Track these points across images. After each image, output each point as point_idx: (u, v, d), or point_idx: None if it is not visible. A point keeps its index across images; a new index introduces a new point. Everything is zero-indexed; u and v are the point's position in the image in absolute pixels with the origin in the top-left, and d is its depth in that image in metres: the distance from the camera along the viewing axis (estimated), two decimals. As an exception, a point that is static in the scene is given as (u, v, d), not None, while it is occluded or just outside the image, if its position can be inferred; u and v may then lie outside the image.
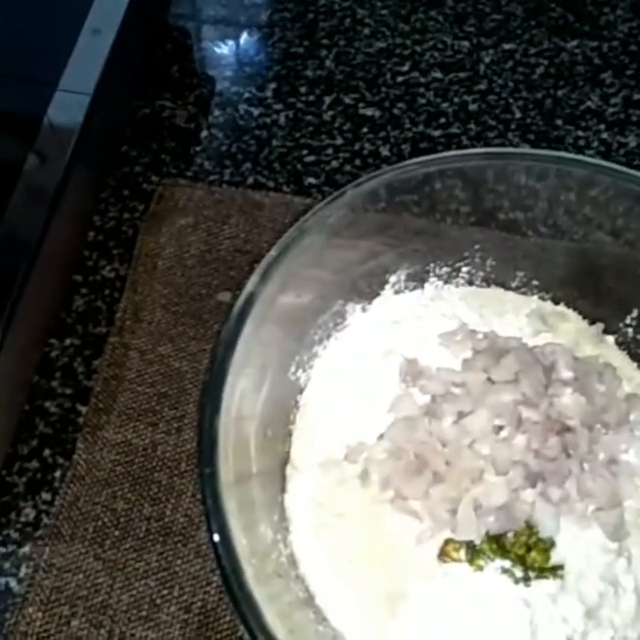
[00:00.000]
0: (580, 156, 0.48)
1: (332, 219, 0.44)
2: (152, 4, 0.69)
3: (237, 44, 0.73)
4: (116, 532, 0.50)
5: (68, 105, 0.56)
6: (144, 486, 0.52)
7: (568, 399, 0.44)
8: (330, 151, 0.66)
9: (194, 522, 0.51)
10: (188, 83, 0.70)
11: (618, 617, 0.42)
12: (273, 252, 0.42)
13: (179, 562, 0.49)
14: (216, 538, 0.37)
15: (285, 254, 0.42)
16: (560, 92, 0.69)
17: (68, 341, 0.57)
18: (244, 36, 0.73)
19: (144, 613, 0.48)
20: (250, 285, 0.41)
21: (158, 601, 0.48)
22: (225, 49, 0.73)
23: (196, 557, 0.50)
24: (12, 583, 0.48)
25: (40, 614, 0.48)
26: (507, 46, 0.72)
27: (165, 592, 0.49)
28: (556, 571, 0.42)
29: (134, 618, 0.48)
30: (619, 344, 0.51)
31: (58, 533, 0.50)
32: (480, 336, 0.48)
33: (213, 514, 0.37)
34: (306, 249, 0.44)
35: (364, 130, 0.67)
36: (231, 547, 0.36)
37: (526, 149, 0.56)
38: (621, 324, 0.51)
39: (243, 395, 0.42)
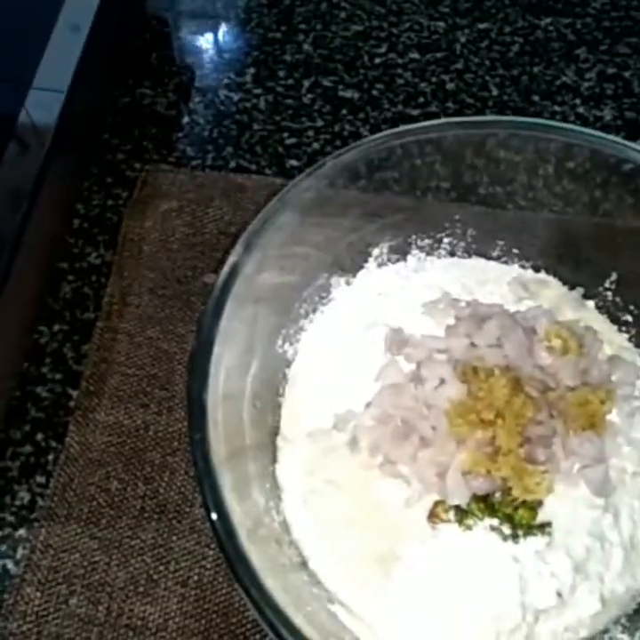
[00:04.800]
0: (554, 122, 0.49)
1: (312, 191, 0.45)
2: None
3: (215, 32, 0.73)
4: (111, 512, 0.51)
5: (44, 103, 0.56)
6: (137, 466, 0.52)
7: (551, 360, 0.45)
8: (310, 133, 0.67)
9: (188, 498, 0.51)
10: (167, 71, 0.70)
11: (606, 570, 0.43)
12: (255, 224, 0.42)
13: (174, 538, 0.50)
14: (210, 503, 0.37)
15: (267, 226, 0.43)
16: (536, 69, 0.70)
17: (56, 327, 0.57)
18: (221, 23, 0.74)
19: (141, 589, 0.49)
20: (233, 256, 0.41)
21: (155, 577, 0.49)
22: (203, 36, 0.73)
23: (191, 533, 0.50)
24: (10, 565, 0.49)
25: (38, 594, 0.48)
26: (482, 26, 0.73)
27: (162, 568, 0.49)
28: (543, 528, 0.43)
29: (132, 594, 0.49)
30: (599, 308, 0.52)
31: (53, 515, 0.50)
32: (463, 304, 0.49)
33: (208, 488, 0.38)
34: (287, 222, 0.44)
35: (344, 111, 0.68)
36: (224, 510, 0.37)
37: (501, 117, 0.57)
38: (601, 288, 0.51)
39: (230, 370, 0.42)
